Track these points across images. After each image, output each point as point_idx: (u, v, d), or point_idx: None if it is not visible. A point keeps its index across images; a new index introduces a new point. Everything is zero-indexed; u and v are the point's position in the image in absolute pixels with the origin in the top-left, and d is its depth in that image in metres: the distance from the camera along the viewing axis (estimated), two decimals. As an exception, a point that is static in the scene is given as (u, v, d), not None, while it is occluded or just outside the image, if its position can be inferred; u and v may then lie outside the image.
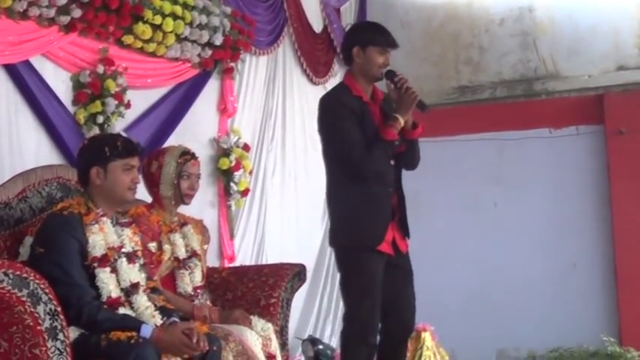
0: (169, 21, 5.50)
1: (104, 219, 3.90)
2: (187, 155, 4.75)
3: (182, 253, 4.69)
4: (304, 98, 7.72)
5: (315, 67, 7.79)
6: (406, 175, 4.97)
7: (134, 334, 3.60)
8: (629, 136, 7.83)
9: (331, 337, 7.65)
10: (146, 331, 3.66)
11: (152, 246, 4.48)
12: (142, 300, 3.88)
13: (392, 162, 4.71)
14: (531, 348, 7.69)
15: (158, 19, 5.41)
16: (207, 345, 3.80)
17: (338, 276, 4.83)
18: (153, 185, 4.69)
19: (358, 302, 4.70)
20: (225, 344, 4.20)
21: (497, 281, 8.04)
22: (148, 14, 5.32)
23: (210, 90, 6.34)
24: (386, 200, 4.69)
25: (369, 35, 4.75)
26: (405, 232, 4.81)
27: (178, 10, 5.59)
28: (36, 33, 4.67)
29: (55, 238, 3.75)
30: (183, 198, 4.73)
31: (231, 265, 6.26)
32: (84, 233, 3.80)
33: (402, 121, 4.63)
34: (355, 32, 4.95)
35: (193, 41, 5.85)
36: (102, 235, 3.85)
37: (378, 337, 4.81)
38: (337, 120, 4.65)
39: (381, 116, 4.73)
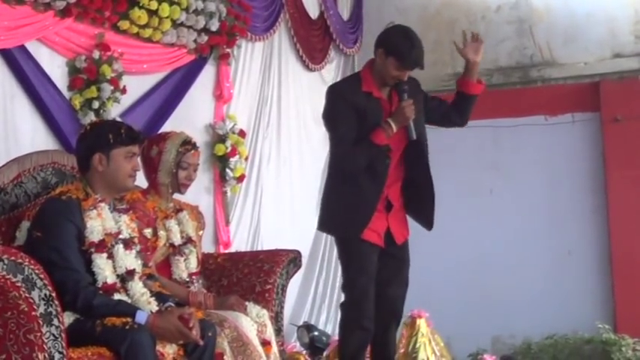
0: (165, 6, 5.49)
1: (102, 205, 3.89)
2: (188, 145, 4.68)
3: (177, 240, 4.68)
4: (300, 84, 7.72)
5: (311, 54, 7.78)
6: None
7: (129, 319, 3.59)
8: (625, 124, 7.85)
9: (326, 324, 7.65)
10: (141, 317, 3.65)
11: (147, 232, 4.45)
12: (137, 286, 3.87)
13: (387, 161, 4.73)
14: (526, 335, 7.72)
15: (154, 5, 5.40)
16: (199, 335, 3.80)
17: (334, 262, 4.93)
18: (151, 171, 4.65)
19: (351, 288, 4.85)
20: (221, 330, 4.19)
21: (492, 268, 8.05)
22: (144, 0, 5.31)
23: (206, 76, 6.33)
24: (373, 197, 4.75)
25: (397, 47, 4.69)
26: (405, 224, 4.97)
27: (174, -5, 5.59)
28: (31, 18, 4.65)
29: (53, 222, 3.75)
30: (179, 187, 4.71)
31: (226, 251, 6.26)
32: (82, 218, 3.79)
33: (394, 127, 4.65)
34: (389, 35, 4.80)
35: (189, 27, 5.84)
36: (100, 221, 3.84)
37: None
38: (335, 112, 4.75)
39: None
